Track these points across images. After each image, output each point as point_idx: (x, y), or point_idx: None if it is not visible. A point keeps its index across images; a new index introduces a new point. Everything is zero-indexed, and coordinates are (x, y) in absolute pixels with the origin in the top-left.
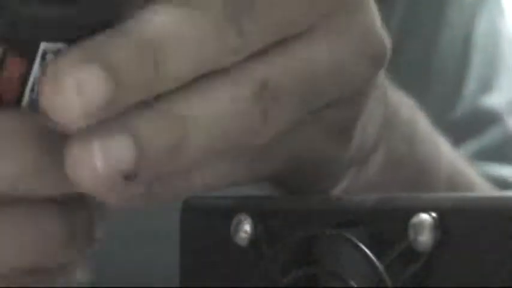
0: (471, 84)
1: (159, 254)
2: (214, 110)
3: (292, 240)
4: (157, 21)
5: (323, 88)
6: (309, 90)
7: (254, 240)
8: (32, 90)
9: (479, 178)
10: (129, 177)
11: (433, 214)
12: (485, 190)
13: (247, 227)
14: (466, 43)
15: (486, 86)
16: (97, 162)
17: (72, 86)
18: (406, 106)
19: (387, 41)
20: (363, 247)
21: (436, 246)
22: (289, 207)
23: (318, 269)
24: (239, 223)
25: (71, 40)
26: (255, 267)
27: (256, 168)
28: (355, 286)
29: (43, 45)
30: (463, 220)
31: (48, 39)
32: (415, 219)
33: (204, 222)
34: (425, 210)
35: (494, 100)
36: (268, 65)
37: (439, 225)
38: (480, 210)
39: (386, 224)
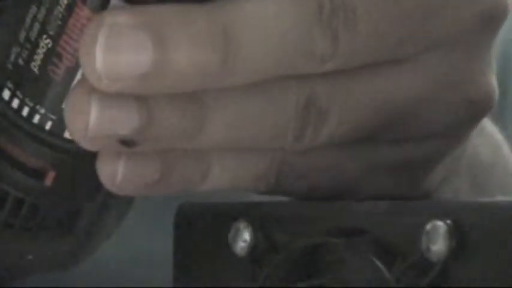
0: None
1: None
2: (239, 112)
3: (295, 250)
4: (242, 7)
5: (396, 125)
6: (378, 124)
7: (254, 249)
8: None
9: None
10: (125, 143)
11: (448, 221)
12: None
13: (246, 235)
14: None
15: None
16: (90, 119)
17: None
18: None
19: (492, 90)
20: (372, 257)
21: (451, 256)
22: (292, 214)
23: (324, 280)
24: (238, 231)
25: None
26: (254, 280)
27: (282, 185)
28: None
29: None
30: (481, 228)
31: None
32: (428, 227)
33: (200, 230)
34: (440, 217)
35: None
36: (334, 87)
37: (455, 233)
38: (500, 217)
39: (398, 232)
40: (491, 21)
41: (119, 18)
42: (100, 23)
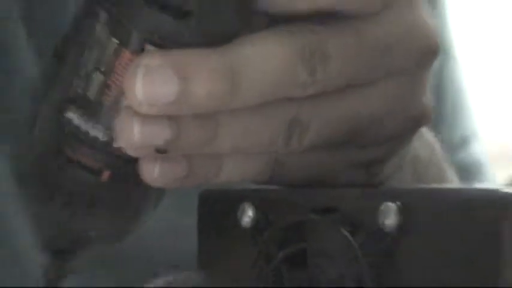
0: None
1: None
2: (243, 126)
3: (285, 223)
4: (245, 50)
5: (360, 135)
6: (346, 134)
7: (255, 223)
8: None
9: None
10: (160, 151)
11: (398, 203)
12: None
13: (250, 213)
14: (438, 89)
15: (449, 127)
16: (134, 134)
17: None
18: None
19: (430, 108)
20: (342, 229)
21: (399, 228)
22: (283, 197)
23: (305, 245)
24: (244, 210)
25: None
26: (256, 245)
27: (276, 177)
28: (336, 261)
29: (148, 47)
30: (422, 208)
31: (151, 42)
32: (383, 207)
33: (217, 210)
34: (392, 199)
35: (453, 135)
36: (314, 107)
37: (402, 211)
38: (435, 200)
39: (361, 210)
40: (429, 57)
41: (152, 60)
42: (139, 63)
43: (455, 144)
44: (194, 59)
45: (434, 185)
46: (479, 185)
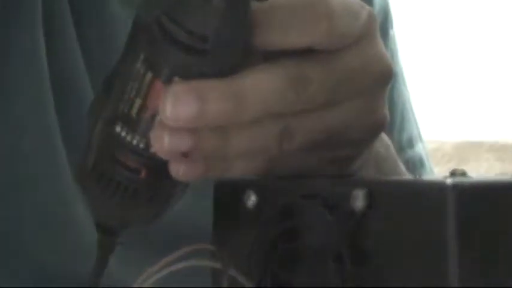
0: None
1: None
2: (246, 135)
3: (279, 205)
4: (247, 79)
5: (334, 139)
6: (323, 139)
7: (257, 205)
8: None
9: None
10: (184, 154)
11: (365, 189)
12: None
13: (253, 197)
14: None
15: (398, 130)
16: (164, 142)
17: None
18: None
19: (387, 118)
20: (322, 209)
21: (366, 209)
22: (278, 185)
23: (295, 222)
24: (249, 195)
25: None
26: (257, 222)
27: (272, 171)
28: (318, 234)
29: (175, 78)
30: (384, 194)
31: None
32: (354, 192)
33: (228, 195)
34: (361, 187)
35: (402, 137)
36: (299, 119)
37: (368, 196)
38: (393, 188)
39: (336, 196)
40: (385, 80)
41: (177, 88)
42: (169, 90)
43: (404, 145)
44: (209, 86)
45: (393, 177)
46: (427, 177)
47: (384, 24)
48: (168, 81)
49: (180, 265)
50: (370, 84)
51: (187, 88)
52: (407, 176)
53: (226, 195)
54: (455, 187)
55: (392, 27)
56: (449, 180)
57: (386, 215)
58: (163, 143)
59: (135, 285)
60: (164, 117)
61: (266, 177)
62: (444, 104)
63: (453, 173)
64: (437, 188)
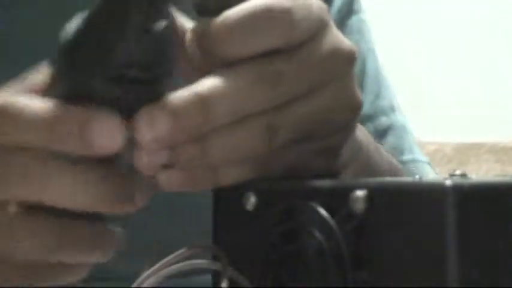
0: (368, 95)
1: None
2: (229, 138)
3: (279, 207)
4: (210, 85)
5: (318, 128)
6: (308, 129)
7: (256, 207)
8: None
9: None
10: (165, 166)
11: (365, 191)
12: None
13: (252, 199)
14: (362, 72)
15: (377, 96)
16: (144, 162)
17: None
18: (360, 131)
19: (361, 98)
20: (322, 211)
21: (365, 211)
22: (277, 188)
23: (294, 224)
24: (248, 196)
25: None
26: (257, 224)
27: (265, 172)
28: (318, 236)
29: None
30: (383, 195)
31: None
32: (353, 194)
33: (227, 197)
34: (360, 188)
35: (382, 103)
36: (281, 113)
37: (368, 198)
38: (394, 190)
39: (337, 197)
40: (351, 60)
41: (149, 111)
42: (140, 116)
43: (386, 110)
44: (177, 101)
45: (393, 178)
46: (427, 178)
47: (349, 10)
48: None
49: (180, 265)
50: (338, 68)
51: (158, 109)
52: (391, 157)
53: (226, 197)
54: (455, 188)
55: (358, 13)
56: (448, 182)
57: (386, 216)
58: (143, 162)
59: (134, 285)
60: (142, 142)
61: (266, 179)
62: (444, 106)
63: (453, 174)
64: (437, 189)
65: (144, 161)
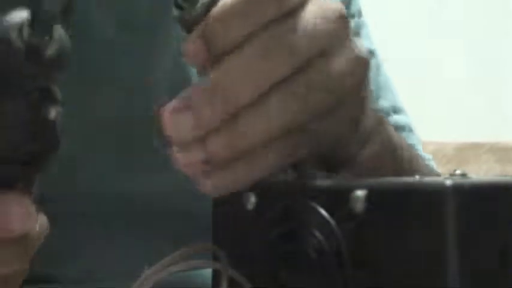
0: None
1: None
2: (264, 120)
3: (279, 206)
4: (223, 69)
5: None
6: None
7: (256, 207)
8: None
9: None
10: (205, 162)
11: (365, 191)
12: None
13: (252, 199)
14: None
15: (377, 97)
16: (182, 162)
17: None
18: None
19: (367, 54)
20: (322, 211)
21: (366, 211)
22: (277, 188)
23: (295, 224)
24: (248, 196)
25: None
26: (257, 223)
27: (298, 154)
28: (318, 236)
29: None
30: (383, 195)
31: None
32: (354, 193)
33: (228, 197)
34: (361, 188)
35: (383, 104)
36: (304, 75)
37: (368, 197)
38: (394, 189)
39: (336, 197)
40: (366, 69)
41: (170, 109)
42: (163, 115)
43: (388, 110)
44: (194, 94)
45: (392, 178)
46: (427, 178)
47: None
48: None
49: (180, 265)
50: (340, 29)
51: (178, 104)
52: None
53: (227, 197)
54: (455, 188)
55: (356, 16)
56: (449, 181)
57: (386, 215)
58: (182, 163)
59: (134, 286)
60: (175, 145)
61: (265, 179)
62: (444, 106)
63: (453, 174)
64: (437, 188)
65: (182, 162)
